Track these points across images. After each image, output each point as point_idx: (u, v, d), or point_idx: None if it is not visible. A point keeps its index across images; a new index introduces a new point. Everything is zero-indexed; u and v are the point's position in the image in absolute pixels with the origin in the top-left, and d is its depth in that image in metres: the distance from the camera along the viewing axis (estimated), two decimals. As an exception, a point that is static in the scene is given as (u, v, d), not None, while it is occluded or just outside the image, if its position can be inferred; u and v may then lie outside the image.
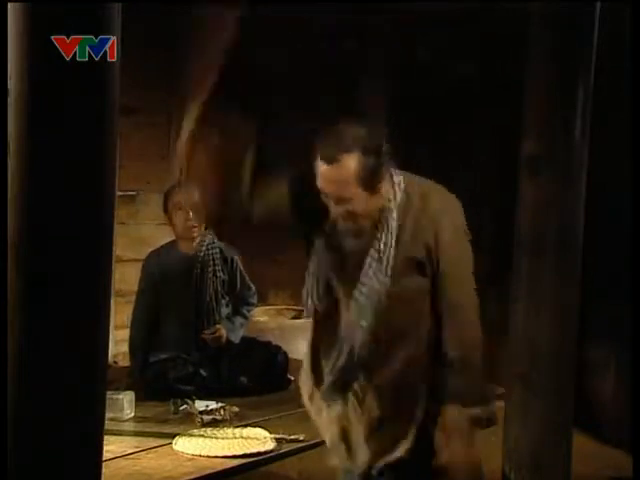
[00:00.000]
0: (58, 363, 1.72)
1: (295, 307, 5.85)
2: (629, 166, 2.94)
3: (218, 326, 3.88)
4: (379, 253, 2.13)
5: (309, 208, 2.18)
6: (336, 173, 2.02)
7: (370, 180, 2.03)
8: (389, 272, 2.12)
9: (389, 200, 2.12)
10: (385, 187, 2.11)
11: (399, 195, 2.13)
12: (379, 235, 2.14)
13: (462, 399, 2.12)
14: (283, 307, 5.89)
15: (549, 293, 3.06)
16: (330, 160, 2.01)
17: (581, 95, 3.02)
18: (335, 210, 2.09)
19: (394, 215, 2.11)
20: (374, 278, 2.12)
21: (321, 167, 2.03)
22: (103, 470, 1.85)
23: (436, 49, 5.32)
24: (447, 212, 2.18)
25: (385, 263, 2.12)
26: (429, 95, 5.41)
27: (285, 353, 3.90)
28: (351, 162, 2.00)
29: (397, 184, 2.15)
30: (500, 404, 3.26)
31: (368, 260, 2.14)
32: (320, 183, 2.05)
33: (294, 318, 5.57)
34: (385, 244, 2.13)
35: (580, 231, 3.11)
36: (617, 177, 3.92)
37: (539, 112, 3.10)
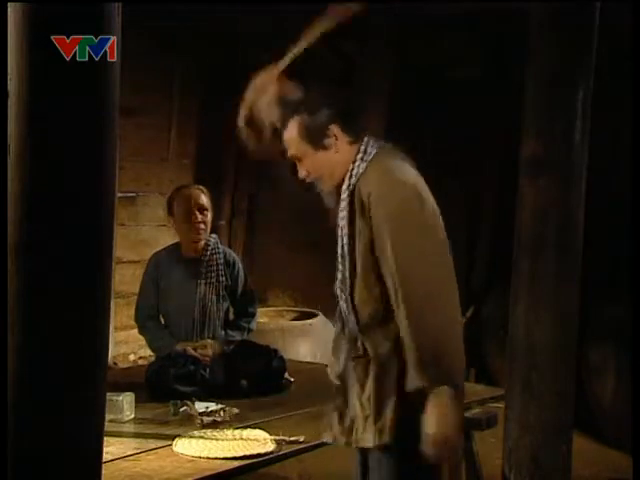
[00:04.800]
0: (58, 364, 1.72)
1: (295, 308, 5.85)
2: (629, 166, 2.94)
3: (208, 342, 3.87)
4: (341, 224, 2.28)
5: None
6: (285, 134, 2.36)
7: (309, 136, 2.31)
8: (345, 241, 2.26)
9: (351, 168, 2.29)
10: (346, 151, 2.30)
11: (359, 164, 2.27)
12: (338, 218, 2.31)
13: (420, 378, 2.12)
14: (283, 308, 5.90)
15: (549, 293, 3.06)
16: (284, 126, 2.36)
17: (581, 95, 3.02)
18: (299, 173, 2.37)
19: (347, 182, 2.27)
20: (343, 246, 2.28)
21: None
22: (103, 471, 1.85)
23: (437, 51, 5.33)
24: (380, 197, 2.21)
25: (343, 233, 2.27)
26: (430, 97, 5.41)
27: (282, 357, 3.89)
28: (294, 121, 2.34)
29: (362, 154, 2.29)
30: (500, 405, 3.27)
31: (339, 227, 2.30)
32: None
33: (294, 319, 5.57)
34: (342, 211, 2.27)
35: (580, 231, 3.11)
36: (617, 177, 3.92)
37: (539, 112, 3.10)
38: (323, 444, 3.01)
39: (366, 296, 2.23)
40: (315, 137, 2.30)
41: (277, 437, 2.95)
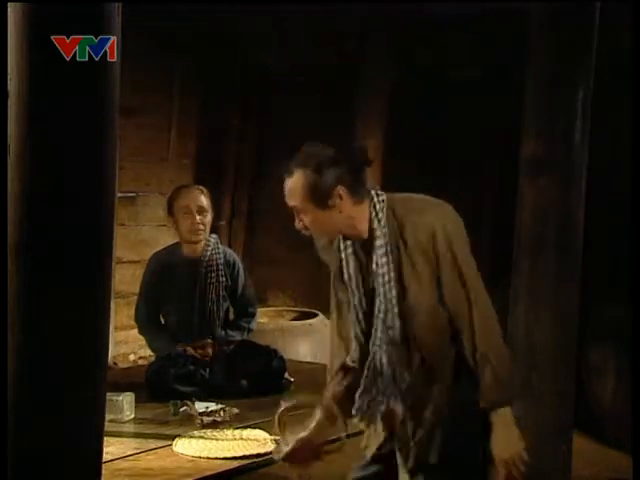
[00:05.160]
0: (58, 364, 1.72)
1: (295, 308, 5.85)
2: (629, 166, 2.94)
3: (208, 342, 3.87)
4: (382, 276, 2.23)
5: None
6: (289, 184, 2.26)
7: (314, 195, 2.23)
8: (394, 293, 2.22)
9: (374, 221, 2.25)
10: (349, 210, 2.25)
11: (380, 214, 2.25)
12: (374, 257, 2.24)
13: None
14: (283, 308, 5.89)
15: (549, 293, 3.06)
16: (288, 173, 2.26)
17: (581, 95, 3.02)
18: (296, 223, 2.30)
19: (379, 234, 2.23)
20: (386, 302, 2.24)
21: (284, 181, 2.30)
22: (103, 471, 1.85)
23: (437, 52, 5.33)
24: (440, 221, 2.22)
25: (385, 280, 2.23)
26: (430, 97, 5.41)
27: (282, 357, 3.89)
28: (299, 175, 2.23)
29: (378, 203, 2.26)
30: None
31: (378, 280, 2.24)
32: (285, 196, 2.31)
33: (294, 319, 5.57)
34: (383, 265, 2.23)
35: (580, 231, 3.11)
36: (617, 177, 3.92)
37: (539, 113, 3.10)
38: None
39: (436, 332, 2.24)
40: (320, 197, 2.22)
41: (277, 437, 2.95)
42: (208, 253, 3.93)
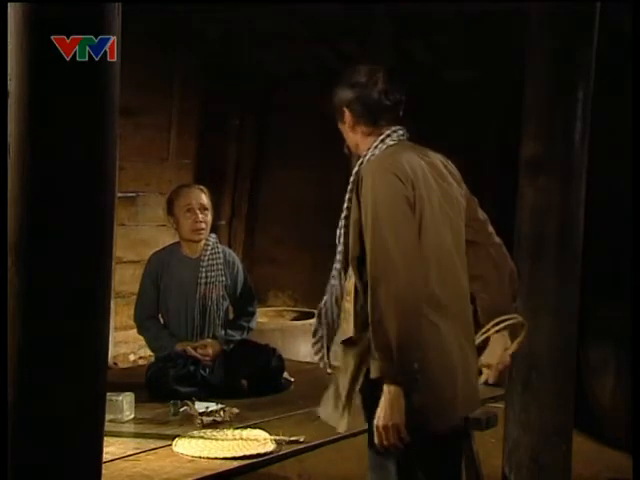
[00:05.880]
0: (58, 364, 1.72)
1: (295, 308, 5.85)
2: (629, 166, 2.94)
3: (208, 341, 3.86)
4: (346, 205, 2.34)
5: None
6: None
7: (333, 105, 2.41)
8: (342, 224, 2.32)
9: (364, 157, 2.34)
10: (360, 139, 2.38)
11: (372, 152, 2.33)
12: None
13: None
14: (283, 308, 5.90)
15: (549, 293, 3.06)
16: None
17: (581, 95, 3.02)
18: None
19: (353, 173, 2.32)
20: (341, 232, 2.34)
21: None
22: (103, 471, 1.85)
23: (436, 52, 5.33)
24: (366, 186, 2.25)
25: (344, 215, 2.32)
26: (429, 97, 5.41)
27: (280, 356, 3.89)
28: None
29: (375, 148, 2.33)
30: (500, 405, 3.27)
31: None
32: None
33: (294, 319, 5.57)
34: (349, 190, 2.31)
35: (580, 232, 3.11)
36: (617, 177, 3.93)
37: (539, 113, 3.10)
38: (323, 444, 3.01)
39: (356, 279, 2.28)
40: (335, 109, 2.41)
41: (277, 437, 2.95)
42: (208, 253, 3.93)
